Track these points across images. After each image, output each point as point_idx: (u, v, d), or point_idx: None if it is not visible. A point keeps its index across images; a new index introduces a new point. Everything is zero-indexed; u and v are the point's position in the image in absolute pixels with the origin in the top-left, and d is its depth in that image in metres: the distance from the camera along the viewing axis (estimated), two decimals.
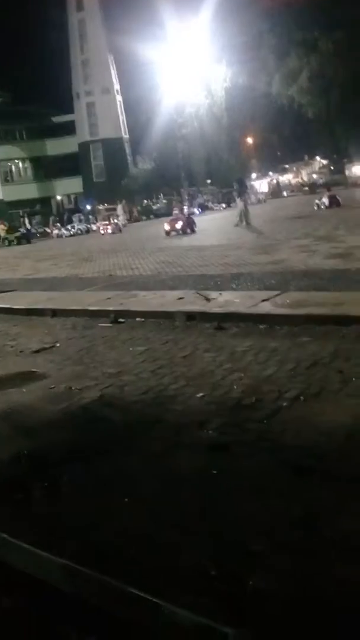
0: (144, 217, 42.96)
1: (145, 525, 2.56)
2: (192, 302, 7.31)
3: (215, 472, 2.99)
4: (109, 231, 31.92)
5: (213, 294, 7.53)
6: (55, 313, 8.24)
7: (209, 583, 2.05)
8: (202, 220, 27.47)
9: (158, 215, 41.64)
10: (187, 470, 3.07)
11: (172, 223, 22.03)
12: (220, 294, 7.57)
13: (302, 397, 3.81)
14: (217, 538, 2.39)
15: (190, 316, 6.72)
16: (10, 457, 3.55)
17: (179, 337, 6.01)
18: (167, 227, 21.83)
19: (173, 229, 21.45)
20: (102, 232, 32.90)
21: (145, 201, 49.59)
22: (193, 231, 20.94)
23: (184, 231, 20.93)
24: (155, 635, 1.56)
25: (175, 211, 26.48)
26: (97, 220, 42.69)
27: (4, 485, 3.16)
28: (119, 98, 57.29)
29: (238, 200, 21.60)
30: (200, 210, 40.72)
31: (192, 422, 3.68)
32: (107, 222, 34.02)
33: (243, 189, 21.53)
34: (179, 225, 21.52)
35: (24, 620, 1.90)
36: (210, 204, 44.08)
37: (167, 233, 21.28)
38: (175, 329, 6.45)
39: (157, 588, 1.79)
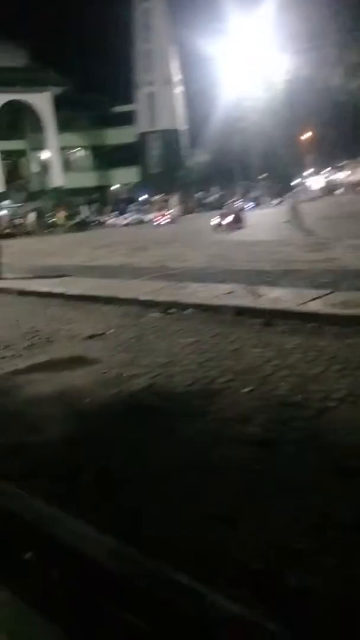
0: (197, 209, 42.95)
1: (190, 515, 2.63)
2: (241, 297, 7.32)
3: (259, 467, 3.03)
4: (164, 222, 32.14)
5: (263, 290, 7.51)
6: (108, 300, 8.42)
7: (251, 577, 2.10)
8: (255, 215, 27.23)
9: (211, 207, 41.51)
10: (232, 464, 3.12)
11: (222, 217, 21.39)
12: (270, 290, 7.55)
13: (350, 398, 3.79)
14: (260, 533, 2.43)
15: (239, 311, 6.73)
16: (61, 438, 3.70)
17: (227, 331, 6.04)
18: (215, 221, 21.21)
19: (222, 223, 20.87)
20: (156, 222, 33.15)
21: (199, 193, 49.56)
22: (242, 226, 20.50)
23: (233, 226, 20.47)
24: (199, 624, 1.62)
25: (228, 205, 25.93)
26: (151, 211, 43.03)
27: (55, 465, 3.31)
28: (179, 89, 57.32)
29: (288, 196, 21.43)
30: (253, 204, 40.35)
31: (238, 416, 3.72)
32: (162, 213, 34.19)
33: (292, 186, 21.40)
34: (228, 219, 20.92)
35: (70, 595, 2.01)
36: (264, 199, 43.61)
37: (216, 227, 20.71)
38: (224, 322, 6.48)
39: (200, 577, 1.85)
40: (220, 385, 4.38)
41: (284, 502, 2.67)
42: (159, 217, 33.31)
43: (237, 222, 20.56)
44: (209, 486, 2.90)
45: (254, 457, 3.13)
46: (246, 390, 4.18)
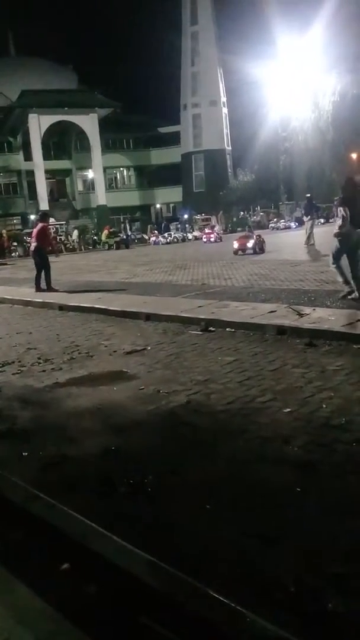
0: (239, 229, 42.93)
1: (226, 533, 2.57)
2: (283, 316, 7.23)
3: (299, 489, 2.95)
4: (212, 239, 32.26)
5: (306, 310, 7.41)
6: (148, 317, 8.46)
7: (288, 598, 2.03)
8: (297, 235, 27.04)
9: (255, 227, 41.47)
10: (271, 484, 3.05)
11: (242, 241, 19.92)
12: (314, 309, 7.43)
13: None
14: (299, 555, 2.36)
15: (281, 330, 6.65)
16: (98, 451, 3.70)
17: (268, 351, 5.97)
18: (236, 245, 19.83)
19: (243, 247, 19.50)
20: (204, 240, 33.32)
21: (242, 213, 49.62)
22: (262, 251, 19.13)
23: (254, 250, 18.98)
24: None
25: (273, 224, 24.89)
26: (193, 230, 43.28)
27: (91, 477, 3.30)
28: (224, 110, 57.89)
29: (306, 219, 20.38)
30: (296, 224, 40.13)
31: (278, 437, 3.65)
32: (210, 231, 34.32)
33: (310, 209, 20.27)
34: (249, 244, 19.41)
35: (106, 606, 1.98)
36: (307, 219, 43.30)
37: (236, 252, 19.33)
38: (265, 342, 6.41)
39: (237, 595, 1.80)
40: (260, 404, 4.31)
41: (324, 525, 2.59)
42: (208, 235, 33.40)
43: (257, 247, 19.22)
44: (248, 504, 2.84)
45: (295, 478, 3.06)
46: (287, 410, 4.10)
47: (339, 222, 8.03)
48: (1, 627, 1.99)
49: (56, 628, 1.96)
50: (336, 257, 8.16)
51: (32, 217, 45.70)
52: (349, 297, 7.96)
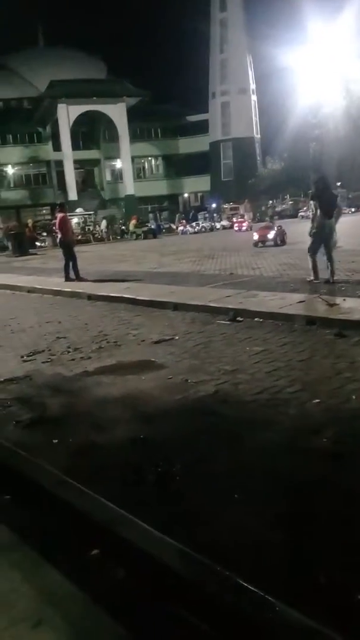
0: (267, 218, 42.51)
1: (254, 523, 2.58)
2: (313, 307, 7.16)
3: (329, 479, 2.93)
4: (243, 228, 32.03)
5: (336, 300, 7.32)
6: (176, 306, 8.47)
7: (317, 590, 2.03)
8: None
9: (282, 216, 40.98)
10: (299, 475, 3.04)
11: (263, 232, 18.73)
12: (344, 299, 7.34)
13: None
14: (328, 547, 2.35)
15: (310, 320, 6.59)
16: (126, 440, 3.73)
17: (297, 341, 5.92)
18: (256, 236, 18.76)
19: (263, 239, 18.39)
20: (236, 228, 33.12)
21: (270, 202, 49.10)
22: (284, 242, 17.93)
23: (275, 242, 17.94)
24: (266, 633, 1.58)
25: (303, 213, 23.42)
26: (221, 219, 43.03)
27: (119, 465, 3.34)
28: (253, 98, 57.16)
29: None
30: None
31: (306, 428, 3.62)
32: (242, 220, 34.04)
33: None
34: (270, 235, 18.25)
35: (135, 592, 2.01)
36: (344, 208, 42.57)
37: (256, 244, 18.28)
38: (294, 332, 6.36)
39: (266, 586, 1.80)
40: (289, 395, 4.28)
41: (353, 518, 2.56)
42: (240, 224, 33.14)
43: (278, 238, 18.17)
44: (276, 495, 2.84)
45: (324, 470, 3.04)
46: (316, 401, 4.07)
47: (310, 215, 9.17)
48: (33, 609, 2.04)
49: (85, 611, 2.00)
50: (313, 248, 9.08)
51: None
52: (315, 282, 8.95)
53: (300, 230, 21.30)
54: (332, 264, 8.92)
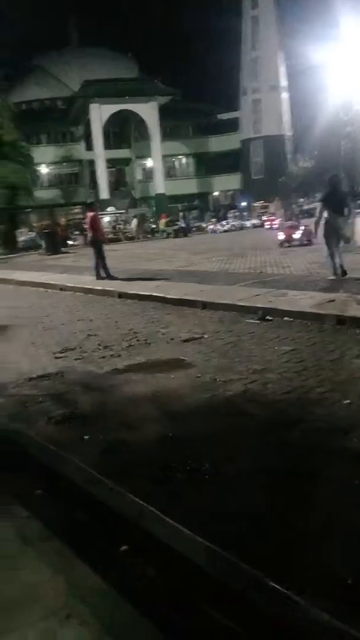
0: (299, 216, 42.04)
1: (283, 523, 2.58)
2: (343, 306, 7.08)
3: (357, 482, 2.91)
4: (275, 226, 31.76)
5: None
6: (205, 305, 8.48)
7: (344, 590, 2.02)
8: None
9: (312, 214, 40.47)
10: (328, 476, 3.02)
11: (289, 232, 17.80)
12: None
13: None
14: (355, 549, 2.33)
15: (341, 320, 6.52)
16: (156, 438, 3.77)
17: (327, 341, 5.87)
18: (281, 236, 17.90)
19: (289, 239, 17.55)
20: (267, 226, 32.89)
21: (301, 200, 48.58)
22: (310, 242, 16.37)
23: (301, 242, 17.00)
24: (292, 632, 1.59)
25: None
26: (251, 217, 42.74)
27: (149, 462, 3.37)
28: (285, 95, 56.60)
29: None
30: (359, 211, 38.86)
31: (336, 428, 3.60)
32: (274, 218, 33.76)
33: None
34: (296, 235, 17.27)
35: (163, 589, 2.04)
36: None
37: (282, 244, 17.51)
38: (324, 331, 6.30)
39: (292, 585, 1.81)
40: (318, 395, 4.26)
41: None
42: (272, 222, 32.86)
43: (306, 237, 16.84)
44: (305, 495, 2.83)
45: (354, 471, 3.01)
46: (346, 402, 4.04)
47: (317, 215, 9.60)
48: (63, 603, 2.08)
49: (114, 607, 2.03)
50: (329, 244, 9.40)
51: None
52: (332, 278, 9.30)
53: None
54: (341, 260, 9.41)
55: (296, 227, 18.59)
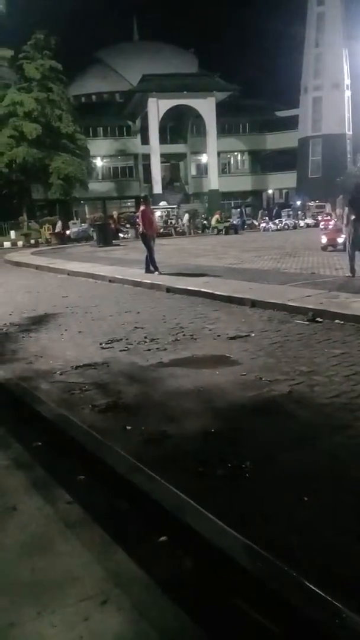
0: (353, 217, 41.05)
1: (323, 529, 2.52)
2: None
3: None
4: (330, 227, 31.05)
5: None
6: (254, 303, 8.40)
7: None
8: None
9: None
10: None
11: (332, 236, 16.34)
12: None
13: None
14: None
15: None
16: (198, 432, 3.76)
17: None
18: (324, 240, 16.67)
19: (332, 242, 16.15)
20: (322, 226, 32.28)
21: None
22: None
23: (344, 247, 14.62)
24: (329, 637, 1.55)
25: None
26: (305, 217, 42.06)
27: (190, 456, 3.37)
28: (347, 94, 55.26)
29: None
30: None
31: None
32: (328, 218, 33.05)
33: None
34: (340, 239, 15.08)
35: (199, 582, 2.03)
36: None
37: (325, 248, 16.39)
38: None
39: (330, 591, 1.77)
40: None
41: None
42: (327, 222, 32.21)
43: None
44: (347, 502, 2.76)
45: None
46: None
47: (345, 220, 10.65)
48: (101, 588, 2.11)
49: (150, 596, 2.05)
50: (353, 249, 10.41)
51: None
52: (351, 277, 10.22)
53: None
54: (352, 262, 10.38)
55: (341, 231, 16.56)
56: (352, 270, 10.38)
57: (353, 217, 10.21)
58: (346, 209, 10.65)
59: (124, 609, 1.99)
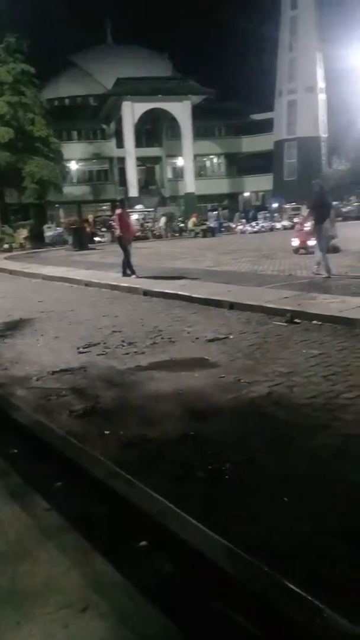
0: (339, 218, 41.45)
1: (304, 528, 2.52)
2: None
3: None
4: (307, 228, 31.20)
5: None
6: (232, 306, 8.42)
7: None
8: None
9: (347, 217, 39.91)
10: (351, 482, 2.95)
11: (304, 238, 15.71)
12: None
13: None
14: None
15: None
16: (177, 435, 3.74)
17: (357, 346, 5.76)
18: (296, 242, 16.45)
19: (304, 245, 15.74)
20: (299, 229, 32.44)
21: (334, 202, 47.96)
22: (335, 250, 14.44)
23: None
24: (310, 637, 1.55)
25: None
26: (282, 219, 42.39)
27: (169, 460, 3.35)
28: (321, 97, 55.91)
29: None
30: None
31: None
32: (306, 220, 33.16)
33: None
34: (311, 242, 14.25)
35: (180, 586, 2.01)
36: None
37: (296, 250, 16.09)
38: (354, 336, 6.19)
39: (311, 591, 1.76)
40: (346, 400, 4.17)
41: None
42: (301, 225, 32.36)
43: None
44: (327, 502, 2.77)
45: None
46: None
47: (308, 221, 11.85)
48: (81, 595, 2.07)
49: (131, 601, 2.02)
50: (322, 248, 10.84)
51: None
52: (321, 275, 10.68)
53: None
54: (326, 261, 10.71)
55: (311, 234, 15.33)
56: (328, 269, 10.65)
57: (313, 221, 10.97)
58: (307, 211, 11.55)
59: (104, 615, 1.96)
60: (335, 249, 15.16)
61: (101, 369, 5.59)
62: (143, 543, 2.26)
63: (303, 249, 15.99)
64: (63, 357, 6.20)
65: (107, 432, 3.87)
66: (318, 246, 11.00)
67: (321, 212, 10.93)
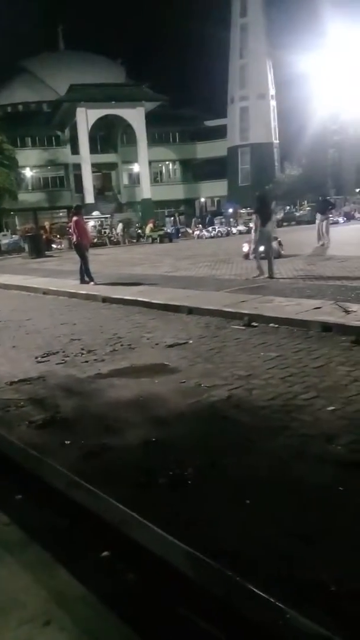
0: (285, 223, 42.25)
1: (265, 530, 2.55)
2: (329, 313, 7.10)
3: (342, 489, 2.89)
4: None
5: (353, 307, 7.25)
6: (190, 310, 8.46)
7: (328, 599, 2.00)
8: (346, 230, 26.58)
9: (300, 222, 40.78)
10: (312, 482, 3.00)
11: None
12: None
13: None
14: (341, 556, 2.31)
15: (326, 327, 6.53)
16: (139, 442, 3.73)
17: (313, 347, 5.87)
18: (246, 247, 15.90)
19: (252, 251, 14.39)
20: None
21: (288, 207, 48.88)
22: (278, 255, 14.36)
23: (266, 254, 13.25)
24: (274, 637, 1.56)
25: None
26: (237, 224, 42.92)
27: (131, 467, 3.33)
28: (272, 103, 57.03)
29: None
30: (345, 219, 39.29)
31: (321, 435, 3.59)
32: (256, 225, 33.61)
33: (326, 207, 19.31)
34: (261, 247, 12.59)
35: (144, 595, 2.00)
36: (357, 214, 42.37)
37: (247, 256, 15.35)
38: (309, 338, 6.31)
39: (275, 593, 1.78)
40: (303, 401, 4.25)
41: None
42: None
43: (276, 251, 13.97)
44: (288, 502, 2.81)
45: (338, 478, 3.00)
46: (331, 408, 4.03)
47: (253, 226, 12.05)
48: (43, 609, 2.03)
49: (94, 613, 1.99)
50: (256, 250, 11.72)
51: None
52: (259, 277, 11.21)
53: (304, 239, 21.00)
54: (271, 263, 11.32)
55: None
56: (261, 269, 11.24)
57: (260, 224, 11.50)
58: (254, 216, 12.13)
59: (67, 628, 1.93)
60: (279, 254, 15.52)
61: (60, 378, 5.52)
62: (105, 553, 2.24)
63: (252, 254, 15.82)
64: (21, 367, 6.10)
65: (67, 442, 3.82)
66: (256, 247, 11.66)
67: (265, 215, 11.65)
